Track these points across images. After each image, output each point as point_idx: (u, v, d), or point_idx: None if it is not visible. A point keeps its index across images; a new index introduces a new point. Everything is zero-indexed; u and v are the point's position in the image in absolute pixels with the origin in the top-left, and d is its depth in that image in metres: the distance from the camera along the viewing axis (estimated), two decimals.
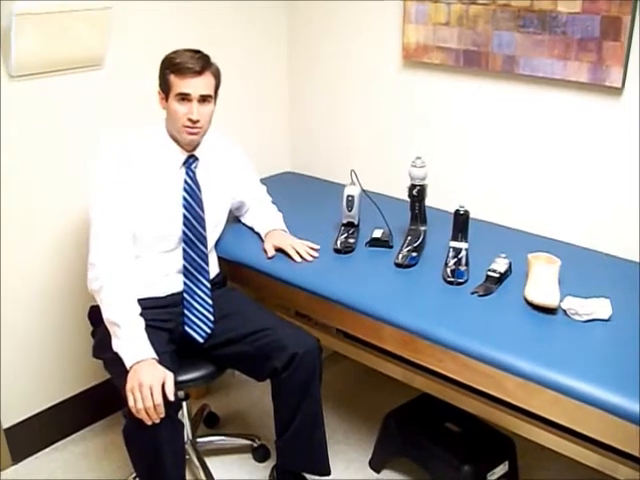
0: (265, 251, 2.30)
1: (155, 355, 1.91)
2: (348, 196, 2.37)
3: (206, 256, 2.18)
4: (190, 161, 2.13)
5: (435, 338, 1.89)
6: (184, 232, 2.13)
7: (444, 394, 2.19)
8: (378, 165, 2.79)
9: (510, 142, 2.46)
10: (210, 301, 2.17)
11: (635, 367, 1.70)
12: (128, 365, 1.88)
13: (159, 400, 1.82)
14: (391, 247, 2.31)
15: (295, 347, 2.04)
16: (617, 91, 2.16)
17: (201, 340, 2.15)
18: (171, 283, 2.17)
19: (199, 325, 2.14)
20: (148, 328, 1.96)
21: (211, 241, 2.24)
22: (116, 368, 1.94)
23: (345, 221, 2.40)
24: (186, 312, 2.14)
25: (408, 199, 2.26)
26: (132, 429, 1.89)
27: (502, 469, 2.23)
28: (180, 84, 1.99)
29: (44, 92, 2.28)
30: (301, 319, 2.46)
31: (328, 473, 2.23)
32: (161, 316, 2.10)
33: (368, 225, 2.38)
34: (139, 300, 2.01)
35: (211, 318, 2.16)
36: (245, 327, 2.13)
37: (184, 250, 2.14)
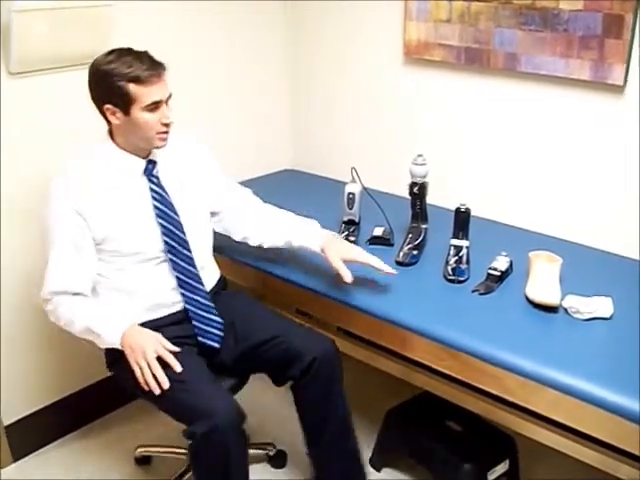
0: (340, 275, 2.01)
1: (133, 321, 1.91)
2: (349, 194, 2.37)
3: (192, 260, 2.05)
4: (150, 167, 1.99)
5: (436, 336, 1.89)
6: (165, 242, 2.00)
7: (445, 392, 2.19)
8: (379, 162, 2.79)
9: (511, 140, 2.45)
10: (211, 304, 2.09)
11: (636, 366, 1.70)
12: (118, 343, 1.86)
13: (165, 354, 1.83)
14: (392, 245, 2.30)
15: (312, 352, 2.00)
16: (619, 89, 2.15)
17: (217, 345, 2.08)
18: (174, 302, 2.07)
19: (210, 331, 2.07)
20: (177, 345, 1.91)
21: (203, 247, 2.13)
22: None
23: (346, 219, 2.39)
24: (195, 323, 2.06)
25: (409, 197, 2.26)
26: (202, 446, 1.81)
27: (503, 467, 2.23)
28: (148, 93, 1.85)
29: (44, 89, 2.27)
30: (302, 317, 2.46)
31: (364, 477, 2.21)
32: (181, 332, 2.03)
33: (369, 223, 2.37)
34: (151, 321, 2.00)
35: (219, 320, 2.09)
36: (258, 335, 2.06)
37: (171, 261, 2.02)
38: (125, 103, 1.85)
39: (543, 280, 1.96)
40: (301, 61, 2.99)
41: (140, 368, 1.82)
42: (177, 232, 2.01)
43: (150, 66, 1.85)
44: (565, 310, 1.90)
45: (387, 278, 2.06)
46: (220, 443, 1.79)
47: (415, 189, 2.22)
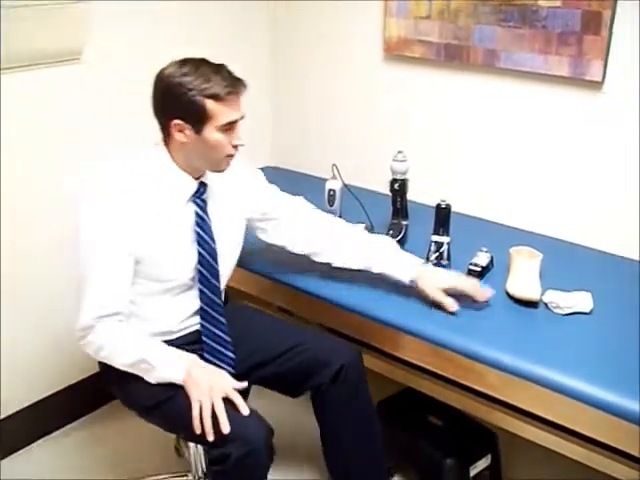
0: (444, 304, 1.93)
1: (193, 356, 1.78)
2: (330, 190, 2.37)
3: (219, 290, 1.95)
4: (201, 190, 1.86)
5: (418, 333, 1.90)
6: (199, 271, 1.87)
7: (427, 388, 2.19)
8: (360, 159, 2.79)
9: (491, 136, 2.47)
10: (228, 338, 1.96)
11: (615, 360, 1.71)
12: (180, 380, 1.72)
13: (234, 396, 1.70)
14: None
15: (339, 360, 1.92)
16: (597, 85, 2.17)
17: (230, 369, 1.94)
18: (187, 326, 1.96)
19: (221, 366, 1.92)
20: None
21: (227, 276, 2.02)
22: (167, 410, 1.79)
23: None
24: (206, 355, 1.92)
25: (390, 193, 2.26)
26: (236, 469, 1.69)
27: (484, 462, 2.24)
28: (227, 112, 1.72)
29: (20, 86, 2.23)
30: (283, 314, 2.45)
31: None
32: (190, 352, 1.88)
33: (350, 219, 2.35)
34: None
35: (232, 357, 1.96)
36: (275, 346, 1.98)
37: (200, 291, 1.90)
38: (199, 121, 1.71)
39: (523, 276, 1.97)
40: (282, 59, 2.99)
41: (201, 406, 1.67)
42: (212, 261, 1.90)
43: (231, 82, 1.72)
44: (545, 305, 1.92)
45: (368, 275, 2.07)
46: (256, 465, 1.72)
47: (396, 185, 2.23)
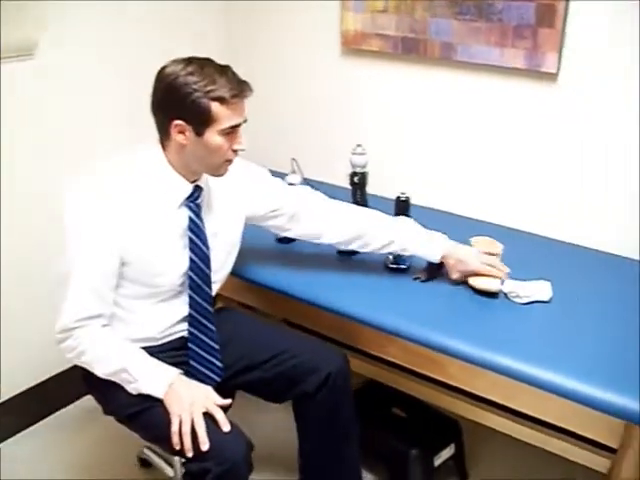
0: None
1: (178, 371, 1.74)
2: (289, 184, 2.36)
3: (211, 298, 1.90)
4: (196, 194, 1.80)
5: (378, 324, 1.90)
6: (190, 277, 1.82)
7: (389, 380, 2.21)
8: (319, 153, 2.79)
9: (449, 128, 2.48)
10: (217, 346, 1.91)
11: (572, 346, 1.74)
12: (161, 394, 1.69)
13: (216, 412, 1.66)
14: None
15: (328, 367, 1.89)
16: (552, 76, 2.20)
17: (216, 377, 1.92)
18: (173, 332, 1.91)
19: (207, 375, 1.90)
20: None
21: (219, 282, 1.97)
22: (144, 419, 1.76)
23: None
24: (192, 363, 1.89)
25: (349, 187, 2.26)
26: None
27: (449, 452, 2.26)
28: (231, 116, 1.67)
29: None
30: (245, 310, 2.44)
31: None
32: (176, 359, 1.85)
33: None
34: (144, 348, 1.81)
35: (220, 365, 1.92)
36: (262, 352, 1.94)
37: (190, 297, 1.85)
38: (201, 123, 1.65)
39: None
40: (238, 54, 2.97)
41: (180, 422, 1.63)
42: (204, 267, 1.85)
43: (237, 85, 1.67)
44: (505, 295, 1.94)
45: (330, 268, 2.07)
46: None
47: (355, 179, 2.24)
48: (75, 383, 2.10)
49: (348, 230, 2.05)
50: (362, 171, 2.22)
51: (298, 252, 2.22)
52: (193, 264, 1.82)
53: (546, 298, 1.92)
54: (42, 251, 2.36)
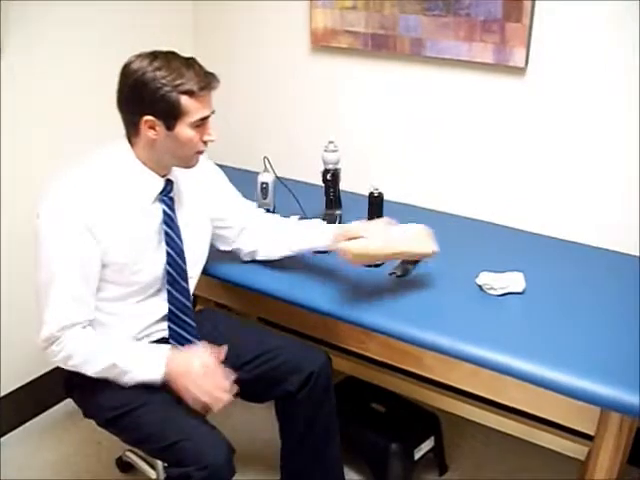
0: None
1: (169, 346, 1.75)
2: (262, 183, 2.36)
3: (188, 293, 1.90)
4: (168, 188, 1.81)
5: (354, 320, 1.90)
6: (168, 272, 1.82)
7: (367, 375, 2.22)
8: (291, 151, 2.78)
9: (420, 123, 2.50)
10: (198, 342, 1.89)
11: (546, 335, 1.76)
12: (159, 377, 1.69)
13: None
14: None
15: (310, 366, 1.91)
16: (521, 71, 2.22)
17: None
18: (152, 332, 1.89)
19: None
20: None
21: (195, 277, 1.96)
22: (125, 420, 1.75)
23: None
24: None
25: (322, 184, 2.27)
26: None
27: (428, 444, 2.28)
28: (200, 108, 1.68)
29: None
30: (221, 309, 2.44)
31: None
32: None
33: (284, 212, 2.35)
34: None
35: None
36: (244, 352, 1.94)
37: (169, 292, 1.85)
38: (172, 117, 1.66)
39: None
40: (209, 51, 2.95)
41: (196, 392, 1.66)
42: (180, 262, 1.85)
43: (204, 77, 1.68)
44: (479, 287, 1.95)
45: (305, 266, 2.07)
46: None
47: (328, 176, 2.24)
48: (56, 385, 2.12)
49: (280, 250, 2.06)
50: (334, 168, 2.23)
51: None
52: (170, 258, 1.83)
53: (520, 289, 1.94)
54: None
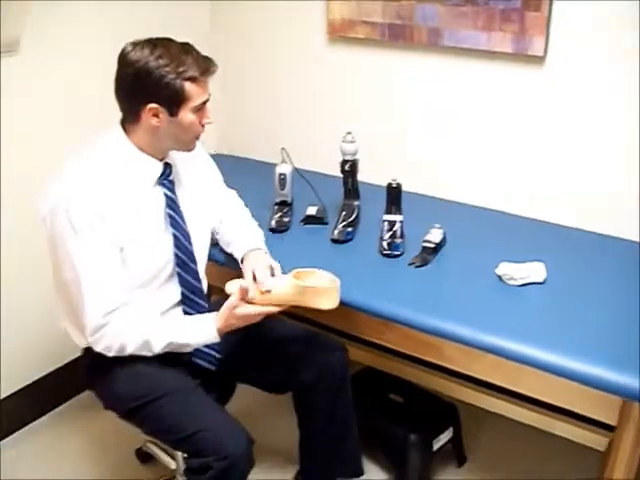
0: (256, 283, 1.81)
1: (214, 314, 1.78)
2: (280, 175, 2.36)
3: (199, 275, 1.92)
4: (167, 171, 1.83)
5: (375, 310, 1.90)
6: (176, 255, 1.84)
7: (385, 366, 2.21)
8: (309, 142, 2.78)
9: (438, 114, 2.49)
10: None
11: (568, 326, 1.76)
12: (215, 338, 1.76)
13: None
14: (326, 224, 2.30)
15: (327, 356, 1.94)
16: (540, 60, 2.21)
17: (213, 368, 1.91)
18: (171, 317, 1.91)
19: (207, 352, 1.89)
20: (163, 367, 1.79)
21: (203, 259, 1.97)
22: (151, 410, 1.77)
23: (278, 200, 2.38)
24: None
25: (340, 175, 2.26)
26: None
27: (447, 435, 2.28)
28: (201, 93, 1.71)
29: None
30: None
31: (362, 473, 2.17)
32: (170, 352, 1.81)
33: (302, 203, 2.37)
34: None
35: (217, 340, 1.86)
36: (262, 343, 1.96)
37: (179, 275, 1.86)
38: (175, 103, 1.69)
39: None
40: (227, 44, 2.95)
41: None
42: (186, 244, 1.87)
43: (203, 63, 1.71)
44: (499, 277, 1.95)
45: (324, 256, 2.07)
46: (238, 476, 1.71)
47: (346, 167, 2.23)
48: (66, 382, 2.13)
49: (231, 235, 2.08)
50: (352, 159, 2.22)
51: (291, 242, 2.22)
52: (177, 240, 1.85)
53: (541, 279, 1.93)
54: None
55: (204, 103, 1.75)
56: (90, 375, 1.90)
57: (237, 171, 2.88)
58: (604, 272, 2.00)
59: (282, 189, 2.38)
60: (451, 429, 2.29)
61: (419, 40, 2.40)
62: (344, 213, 2.26)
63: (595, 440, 1.91)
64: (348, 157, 2.22)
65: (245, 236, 2.04)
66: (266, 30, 2.81)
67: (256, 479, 1.78)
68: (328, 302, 1.78)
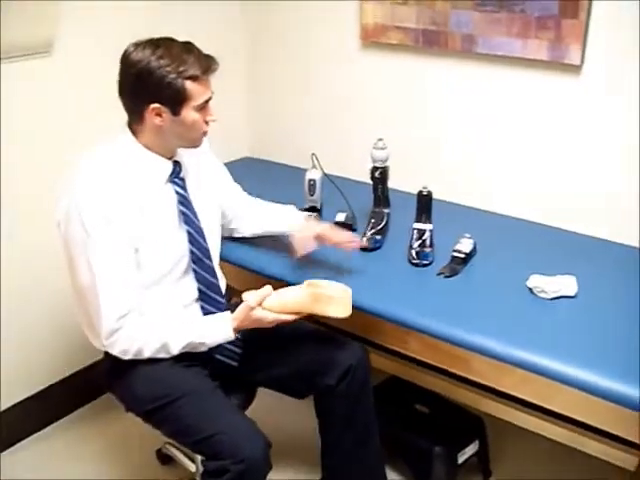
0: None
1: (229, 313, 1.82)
2: (310, 180, 2.35)
3: (213, 270, 1.94)
4: (177, 170, 1.85)
5: (402, 320, 1.88)
6: (191, 251, 1.86)
7: (412, 376, 2.18)
8: (339, 148, 2.77)
9: (471, 122, 2.46)
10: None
11: (601, 342, 1.71)
12: (231, 336, 1.80)
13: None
14: (355, 230, 2.28)
15: (348, 359, 1.92)
16: (576, 69, 2.17)
17: (235, 364, 1.93)
18: (189, 314, 1.92)
19: (229, 348, 1.90)
20: (182, 369, 1.81)
21: (217, 255, 2.00)
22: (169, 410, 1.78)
23: (307, 205, 2.38)
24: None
25: (370, 182, 2.24)
26: None
27: (472, 448, 2.24)
28: (203, 91, 1.73)
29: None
30: None
31: None
32: (187, 352, 1.83)
33: (331, 209, 2.36)
34: None
35: (237, 336, 1.86)
36: (282, 346, 1.96)
37: (195, 271, 1.88)
38: (178, 102, 1.70)
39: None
40: (259, 48, 2.95)
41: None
42: (200, 240, 1.89)
43: (205, 61, 1.72)
44: (530, 290, 1.91)
45: (352, 263, 2.05)
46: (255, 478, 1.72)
47: (376, 173, 2.21)
48: (87, 383, 2.13)
49: (251, 227, 2.20)
50: (383, 166, 2.20)
51: (319, 249, 2.19)
52: (191, 237, 1.87)
53: (572, 293, 1.89)
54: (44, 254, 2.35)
55: (207, 101, 1.76)
56: (110, 378, 1.91)
57: (267, 175, 2.89)
58: (637, 287, 1.95)
59: (312, 195, 2.37)
60: (477, 442, 2.25)
61: (453, 47, 2.37)
62: (373, 220, 2.23)
63: (625, 459, 1.86)
64: (378, 164, 2.20)
65: (285, 209, 2.15)
66: (298, 35, 2.80)
67: None
68: (342, 310, 1.80)
